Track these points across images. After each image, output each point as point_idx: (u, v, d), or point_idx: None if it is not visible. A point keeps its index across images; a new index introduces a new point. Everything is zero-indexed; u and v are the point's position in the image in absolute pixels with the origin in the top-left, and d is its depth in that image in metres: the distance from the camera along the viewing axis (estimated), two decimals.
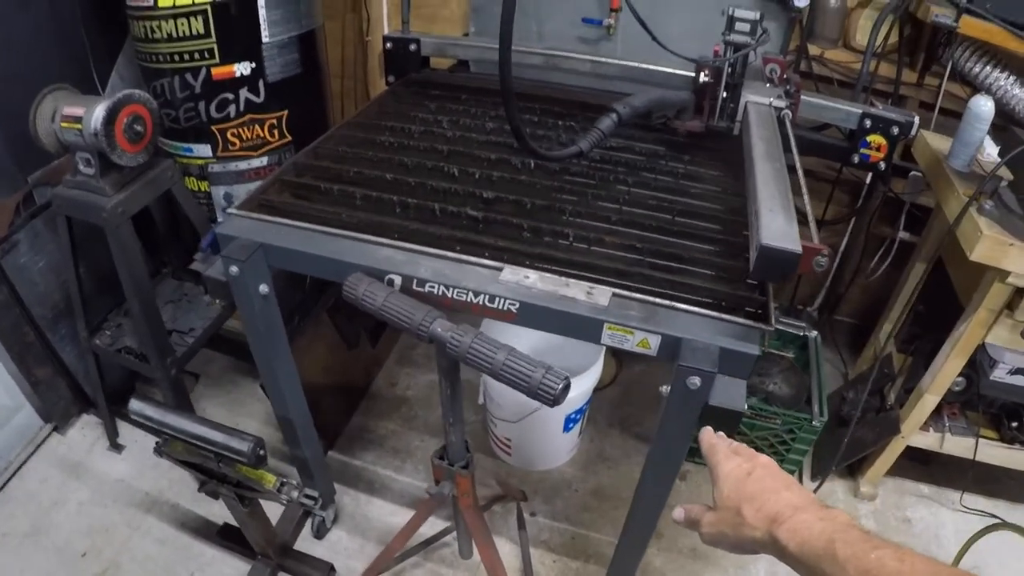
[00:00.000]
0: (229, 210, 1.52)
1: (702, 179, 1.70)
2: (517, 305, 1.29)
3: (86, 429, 2.64)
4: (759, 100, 1.71)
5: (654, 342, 1.25)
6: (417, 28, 2.22)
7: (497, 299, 1.30)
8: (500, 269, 1.34)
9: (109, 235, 1.87)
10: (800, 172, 1.47)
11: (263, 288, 1.50)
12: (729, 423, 1.24)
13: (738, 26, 1.65)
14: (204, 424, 1.69)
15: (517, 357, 1.17)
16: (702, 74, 1.71)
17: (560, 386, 1.13)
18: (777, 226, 1.20)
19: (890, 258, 2.62)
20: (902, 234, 2.54)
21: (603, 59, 2.04)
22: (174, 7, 1.95)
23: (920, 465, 2.54)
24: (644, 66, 1.98)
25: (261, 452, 1.65)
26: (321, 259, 1.41)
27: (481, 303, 1.31)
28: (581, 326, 1.28)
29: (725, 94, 1.73)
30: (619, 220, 1.51)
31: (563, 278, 1.31)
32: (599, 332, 1.27)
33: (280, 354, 1.69)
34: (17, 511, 2.38)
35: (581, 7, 2.35)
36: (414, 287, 1.35)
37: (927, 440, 2.28)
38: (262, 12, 2.02)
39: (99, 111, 1.74)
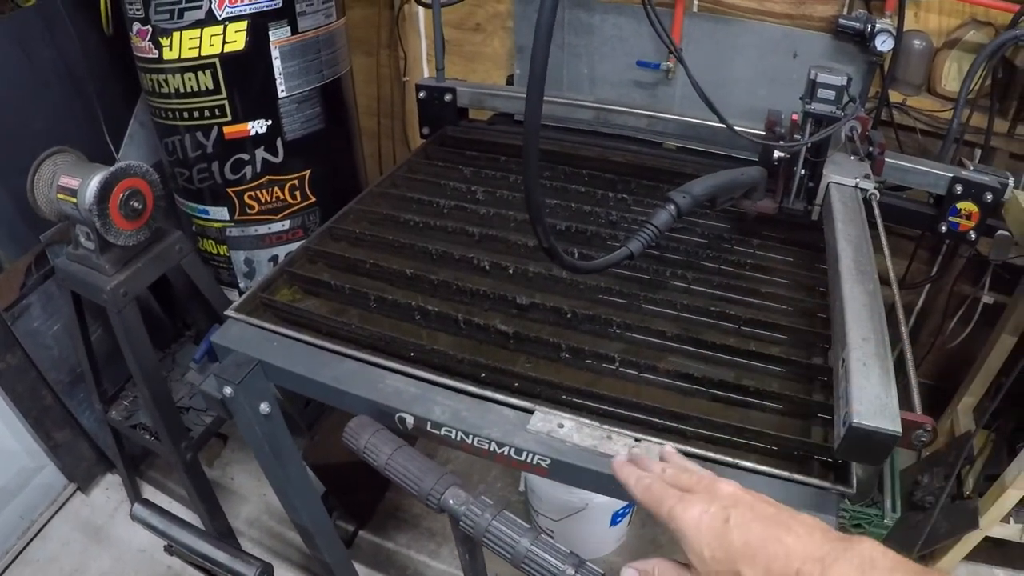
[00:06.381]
0: (228, 312, 1.34)
1: (773, 271, 1.45)
2: (548, 461, 1.08)
3: (111, 490, 2.54)
4: (843, 181, 1.43)
5: None
6: (458, 67, 2.01)
7: (525, 452, 1.09)
8: (530, 412, 1.12)
9: (111, 318, 1.71)
10: (895, 284, 1.22)
11: (264, 407, 1.31)
12: None
13: (821, 93, 1.38)
14: (210, 541, 1.52)
15: (544, 546, 0.95)
16: (775, 152, 1.45)
17: None
18: (871, 392, 0.94)
19: (973, 321, 2.32)
20: (986, 298, 2.25)
21: (661, 115, 1.79)
22: (180, 60, 1.77)
23: (995, 548, 2.28)
24: (707, 123, 1.73)
25: None
26: (324, 387, 1.22)
27: (506, 454, 1.10)
28: (623, 489, 1.05)
29: (803, 171, 1.47)
30: (675, 335, 1.27)
31: (604, 428, 1.09)
32: None
33: (291, 471, 1.49)
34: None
35: (636, 50, 2.11)
36: (428, 428, 1.15)
37: (1007, 531, 2.10)
38: (277, 64, 1.82)
39: (92, 186, 1.57)
